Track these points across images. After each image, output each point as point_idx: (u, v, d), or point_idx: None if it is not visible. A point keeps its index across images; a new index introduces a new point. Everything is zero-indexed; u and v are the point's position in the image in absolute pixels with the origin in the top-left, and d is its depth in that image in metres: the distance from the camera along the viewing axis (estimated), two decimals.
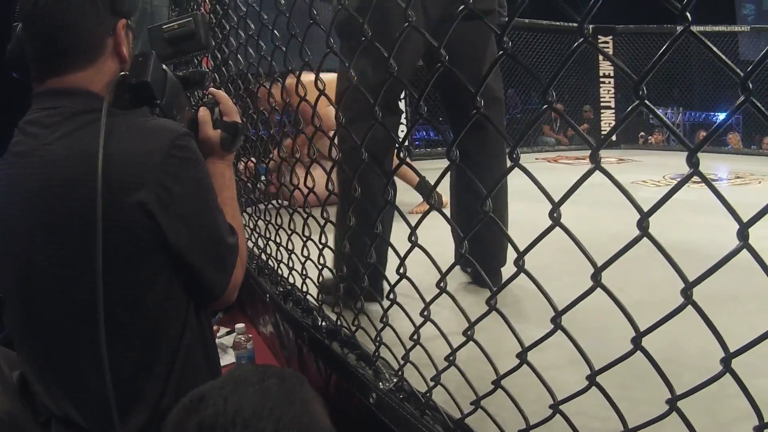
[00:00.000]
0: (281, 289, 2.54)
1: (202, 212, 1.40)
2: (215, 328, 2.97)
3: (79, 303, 1.31)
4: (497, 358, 1.25)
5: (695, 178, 0.77)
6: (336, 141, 1.74)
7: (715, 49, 0.77)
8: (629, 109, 0.87)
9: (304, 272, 2.19)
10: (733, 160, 6.98)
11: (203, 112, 1.63)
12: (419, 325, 1.42)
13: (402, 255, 1.39)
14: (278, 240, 2.48)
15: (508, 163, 0.99)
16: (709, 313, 0.81)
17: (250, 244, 3.16)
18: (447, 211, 2.13)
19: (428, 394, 1.43)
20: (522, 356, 1.10)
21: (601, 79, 9.01)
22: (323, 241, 1.87)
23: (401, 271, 1.39)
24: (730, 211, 0.73)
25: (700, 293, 0.82)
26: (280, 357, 2.69)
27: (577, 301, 0.96)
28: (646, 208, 0.83)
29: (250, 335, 2.71)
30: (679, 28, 0.76)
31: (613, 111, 9.14)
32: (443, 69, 1.13)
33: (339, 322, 1.89)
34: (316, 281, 2.05)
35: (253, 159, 2.96)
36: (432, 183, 3.09)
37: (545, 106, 0.94)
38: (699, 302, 0.82)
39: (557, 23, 8.52)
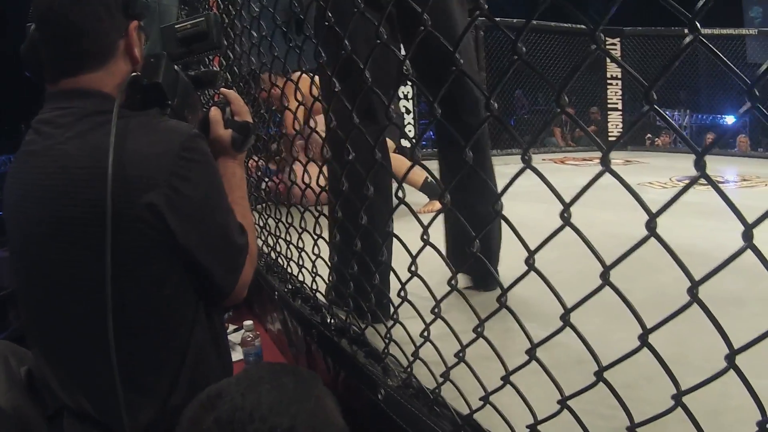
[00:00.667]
0: (290, 287, 2.56)
1: (211, 213, 1.43)
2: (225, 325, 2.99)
3: (90, 299, 1.33)
4: (504, 357, 1.26)
5: (702, 180, 0.78)
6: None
7: (723, 57, 0.79)
8: (639, 114, 0.89)
9: (314, 270, 2.20)
10: (740, 163, 6.94)
11: (214, 112, 1.65)
12: (430, 322, 1.44)
13: (413, 254, 1.41)
14: (288, 238, 2.50)
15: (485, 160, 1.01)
16: (717, 314, 0.83)
17: (260, 242, 3.17)
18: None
19: (437, 390, 1.45)
20: (531, 353, 1.12)
21: (609, 81, 9.00)
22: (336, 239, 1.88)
23: (413, 269, 1.41)
24: (735, 212, 0.75)
25: (705, 295, 0.83)
26: (287, 354, 2.71)
27: (585, 299, 0.97)
28: (653, 210, 0.85)
29: (258, 333, 2.73)
30: (687, 39, 0.77)
31: (620, 113, 9.12)
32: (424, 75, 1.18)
33: (348, 320, 1.91)
34: (326, 279, 2.07)
35: (263, 158, 2.98)
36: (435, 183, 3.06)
37: (558, 110, 0.95)
38: (707, 302, 0.83)
39: (565, 25, 8.52)
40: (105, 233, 1.23)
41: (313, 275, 2.23)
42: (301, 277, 2.42)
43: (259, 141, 2.81)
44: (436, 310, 1.39)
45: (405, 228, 1.47)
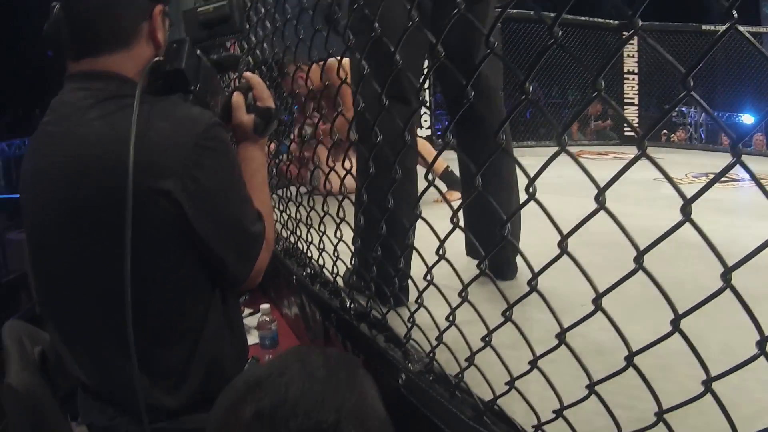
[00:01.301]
0: (309, 271, 2.56)
1: (227, 203, 1.43)
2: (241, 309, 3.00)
3: (104, 282, 1.34)
4: (521, 345, 1.27)
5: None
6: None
7: (757, 44, 0.79)
8: (677, 99, 0.89)
9: (336, 254, 2.21)
10: (756, 161, 6.86)
11: (237, 97, 1.64)
12: (456, 306, 1.45)
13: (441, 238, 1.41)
14: (309, 222, 2.50)
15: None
16: (733, 310, 0.83)
17: (279, 226, 3.19)
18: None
19: (460, 375, 1.46)
20: (561, 337, 1.12)
21: (625, 76, 8.95)
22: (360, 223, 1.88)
23: (440, 252, 1.41)
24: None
25: (726, 292, 0.84)
26: (304, 339, 2.72)
27: (618, 283, 0.98)
28: (667, 207, 0.85)
29: (274, 317, 2.74)
30: (719, 28, 0.77)
31: (637, 108, 9.06)
32: (441, 64, 1.18)
33: (369, 306, 1.92)
34: (348, 263, 2.07)
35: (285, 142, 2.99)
36: (456, 174, 3.09)
37: (594, 94, 0.95)
38: (723, 300, 0.84)
39: (582, 18, 8.48)
40: (122, 218, 1.23)
41: (334, 259, 2.24)
42: (321, 261, 2.42)
43: (281, 125, 2.81)
44: (463, 294, 1.39)
45: (426, 214, 1.47)
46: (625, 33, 8.55)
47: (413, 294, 1.67)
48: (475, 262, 1.36)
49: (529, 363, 1.23)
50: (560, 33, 0.99)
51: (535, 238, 1.04)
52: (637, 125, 8.97)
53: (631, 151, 0.94)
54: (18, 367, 1.54)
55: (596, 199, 0.95)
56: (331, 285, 2.31)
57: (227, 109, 1.64)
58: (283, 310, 3.11)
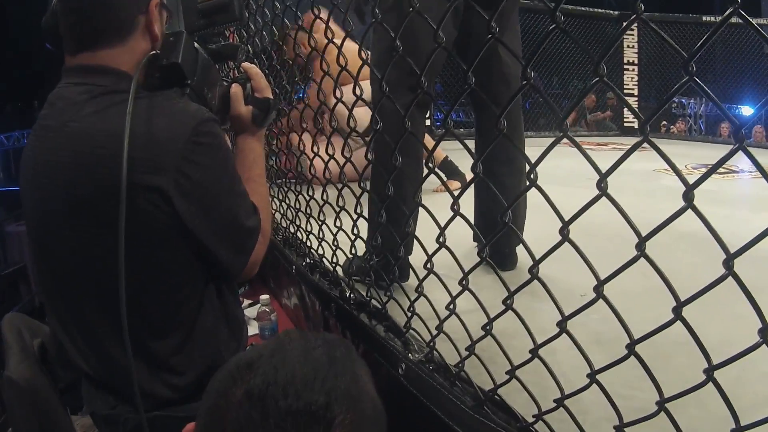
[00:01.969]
0: (309, 261, 2.56)
1: (221, 199, 1.43)
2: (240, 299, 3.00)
3: (101, 274, 1.35)
4: (521, 335, 1.27)
5: (719, 169, 0.78)
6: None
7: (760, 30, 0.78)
8: (679, 84, 0.88)
9: (335, 243, 2.20)
10: (756, 154, 6.81)
11: (235, 89, 1.64)
12: (456, 294, 1.44)
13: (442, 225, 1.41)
14: (309, 211, 2.50)
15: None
16: (732, 301, 0.83)
17: (278, 216, 3.19)
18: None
19: (461, 365, 1.45)
20: (562, 325, 1.12)
21: (625, 66, 8.92)
22: (358, 211, 1.88)
23: (441, 240, 1.41)
24: None
25: (725, 282, 0.84)
26: (303, 329, 2.71)
27: (620, 270, 0.97)
28: (668, 198, 0.85)
29: (273, 307, 2.74)
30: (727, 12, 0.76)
31: (636, 98, 9.03)
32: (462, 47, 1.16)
33: (369, 295, 1.91)
34: (348, 253, 2.07)
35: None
36: (455, 162, 3.07)
37: (596, 79, 0.95)
38: (722, 292, 0.84)
39: (582, 8, 8.46)
40: (117, 213, 1.22)
41: (334, 249, 2.23)
42: (320, 251, 2.42)
43: (280, 115, 2.80)
44: (464, 282, 1.38)
45: (426, 203, 1.47)
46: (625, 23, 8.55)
47: (413, 283, 1.66)
48: (469, 254, 1.35)
49: (530, 352, 1.23)
50: (562, 18, 0.99)
51: (536, 228, 1.03)
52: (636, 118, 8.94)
53: (631, 142, 0.93)
54: (17, 359, 1.54)
55: (598, 185, 0.95)
56: (330, 275, 2.30)
57: (225, 101, 1.63)
58: (282, 300, 3.10)
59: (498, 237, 1.27)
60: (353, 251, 2.03)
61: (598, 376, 1.10)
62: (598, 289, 1.01)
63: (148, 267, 1.38)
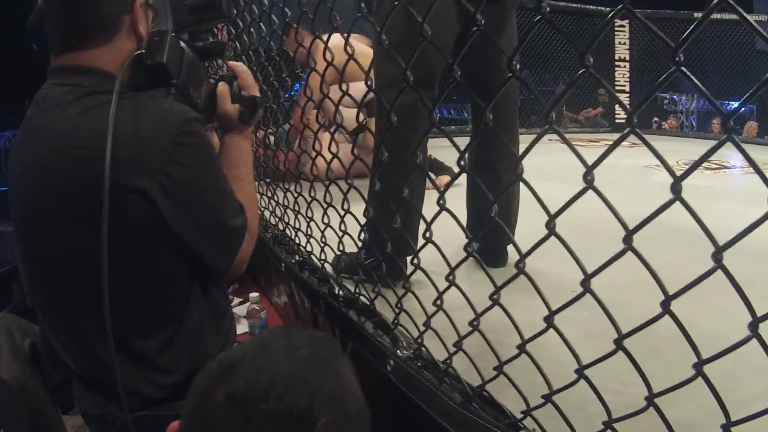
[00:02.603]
0: (298, 258, 2.55)
1: (205, 199, 1.42)
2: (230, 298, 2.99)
3: (87, 274, 1.33)
4: (511, 331, 1.26)
5: (709, 165, 0.77)
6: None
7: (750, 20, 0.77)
8: (667, 73, 0.88)
9: (323, 239, 2.19)
10: (749, 149, 6.82)
11: (222, 87, 1.63)
12: (443, 290, 1.43)
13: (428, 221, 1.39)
14: (297, 207, 2.48)
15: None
16: (722, 293, 0.83)
17: (267, 213, 3.18)
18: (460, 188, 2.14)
19: (449, 361, 1.44)
20: (549, 320, 1.11)
21: (617, 63, 8.93)
22: (345, 207, 1.87)
23: (427, 235, 1.40)
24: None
25: (716, 275, 0.83)
26: (293, 327, 2.70)
27: (607, 264, 0.96)
28: (659, 193, 0.84)
29: (263, 305, 2.73)
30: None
31: (628, 95, 9.04)
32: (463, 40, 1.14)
33: (357, 291, 1.90)
34: (336, 249, 2.06)
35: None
36: (440, 161, 3.06)
37: (582, 70, 0.94)
38: (711, 285, 0.84)
39: (574, 5, 8.47)
40: (100, 214, 1.22)
41: (322, 245, 2.22)
42: (309, 248, 2.41)
43: (268, 112, 2.78)
44: (450, 278, 1.37)
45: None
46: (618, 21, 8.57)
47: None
48: (460, 252, 1.34)
49: (518, 347, 1.22)
50: (548, 9, 0.97)
51: (525, 224, 1.03)
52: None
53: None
54: (8, 359, 1.55)
55: (584, 177, 0.94)
56: (319, 272, 2.29)
57: (212, 99, 1.62)
58: (272, 298, 3.10)
59: (489, 233, 1.26)
60: (341, 248, 2.02)
61: (587, 372, 1.09)
62: (585, 283, 1.00)
63: (133, 267, 1.38)
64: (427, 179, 1.39)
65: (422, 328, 1.55)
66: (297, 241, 2.60)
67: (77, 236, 1.34)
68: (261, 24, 2.55)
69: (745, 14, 0.84)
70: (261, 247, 1.59)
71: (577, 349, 1.11)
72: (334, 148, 1.83)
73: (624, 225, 0.92)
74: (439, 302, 1.45)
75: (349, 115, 1.97)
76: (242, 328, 2.67)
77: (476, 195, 2.42)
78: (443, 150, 4.07)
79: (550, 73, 9.39)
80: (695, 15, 8.57)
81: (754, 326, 0.81)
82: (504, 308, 1.25)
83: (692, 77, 0.86)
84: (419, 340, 1.57)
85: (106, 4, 1.36)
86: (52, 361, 1.55)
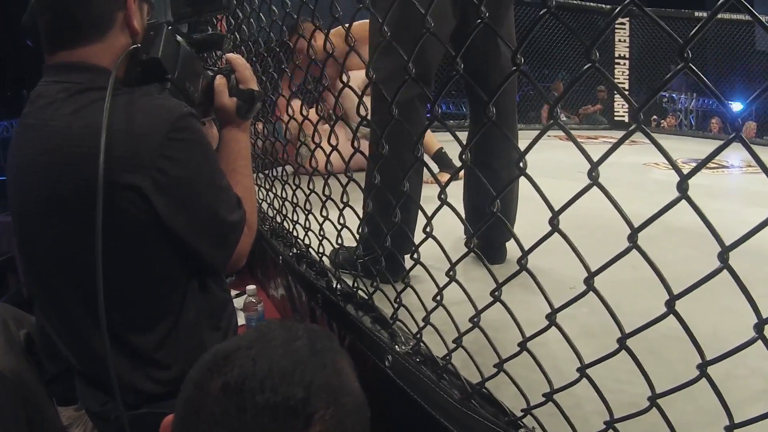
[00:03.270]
0: (296, 251, 2.54)
1: (201, 194, 1.42)
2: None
3: (83, 270, 1.33)
4: (511, 328, 1.25)
5: (711, 164, 0.77)
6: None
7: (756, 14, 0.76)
8: (675, 70, 0.87)
9: (322, 233, 2.18)
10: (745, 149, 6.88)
11: (219, 80, 1.62)
12: (443, 285, 1.42)
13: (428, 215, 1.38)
14: (295, 200, 2.47)
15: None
16: (721, 294, 0.82)
17: (265, 206, 3.16)
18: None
19: (448, 357, 1.43)
20: (551, 317, 1.10)
21: (617, 60, 8.91)
22: (344, 200, 1.85)
23: (428, 230, 1.39)
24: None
25: (715, 278, 0.82)
26: (290, 320, 2.70)
27: (611, 262, 0.95)
28: (659, 191, 0.83)
29: (260, 298, 2.72)
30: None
31: (627, 93, 9.04)
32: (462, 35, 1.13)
33: (356, 285, 1.89)
34: (334, 243, 2.04)
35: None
36: (449, 157, 3.03)
37: (588, 65, 0.93)
38: (713, 285, 0.83)
39: (574, 2, 8.45)
40: (95, 211, 1.22)
41: (320, 238, 2.21)
42: (307, 241, 2.40)
43: (266, 104, 2.77)
44: (451, 273, 1.36)
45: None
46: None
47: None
48: (459, 249, 1.33)
49: (519, 345, 1.21)
50: (554, 2, 0.96)
51: (526, 220, 1.02)
52: (627, 111, 8.96)
53: (620, 136, 0.91)
54: (3, 349, 1.55)
55: (589, 174, 0.93)
56: (317, 265, 2.28)
57: (209, 93, 1.61)
58: (269, 291, 3.09)
59: (488, 230, 1.24)
60: (339, 241, 2.01)
61: (588, 370, 1.08)
62: (589, 281, 0.99)
63: (129, 263, 1.38)
64: (426, 175, 1.37)
65: (421, 324, 1.54)
66: (295, 233, 2.58)
67: (73, 233, 1.34)
68: (261, 14, 2.54)
69: (756, 13, 0.83)
70: (258, 240, 1.58)
71: (577, 346, 1.10)
72: (334, 140, 1.82)
73: (629, 223, 0.91)
74: (438, 298, 1.44)
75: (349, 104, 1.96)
76: (239, 320, 2.66)
77: (472, 192, 2.41)
78: (443, 144, 4.08)
79: (549, 69, 9.39)
80: (696, 14, 8.58)
81: (759, 327, 0.80)
82: (505, 305, 1.24)
83: (700, 74, 0.85)
84: (418, 336, 1.55)
85: (97, 1, 1.36)
86: (49, 352, 1.55)
